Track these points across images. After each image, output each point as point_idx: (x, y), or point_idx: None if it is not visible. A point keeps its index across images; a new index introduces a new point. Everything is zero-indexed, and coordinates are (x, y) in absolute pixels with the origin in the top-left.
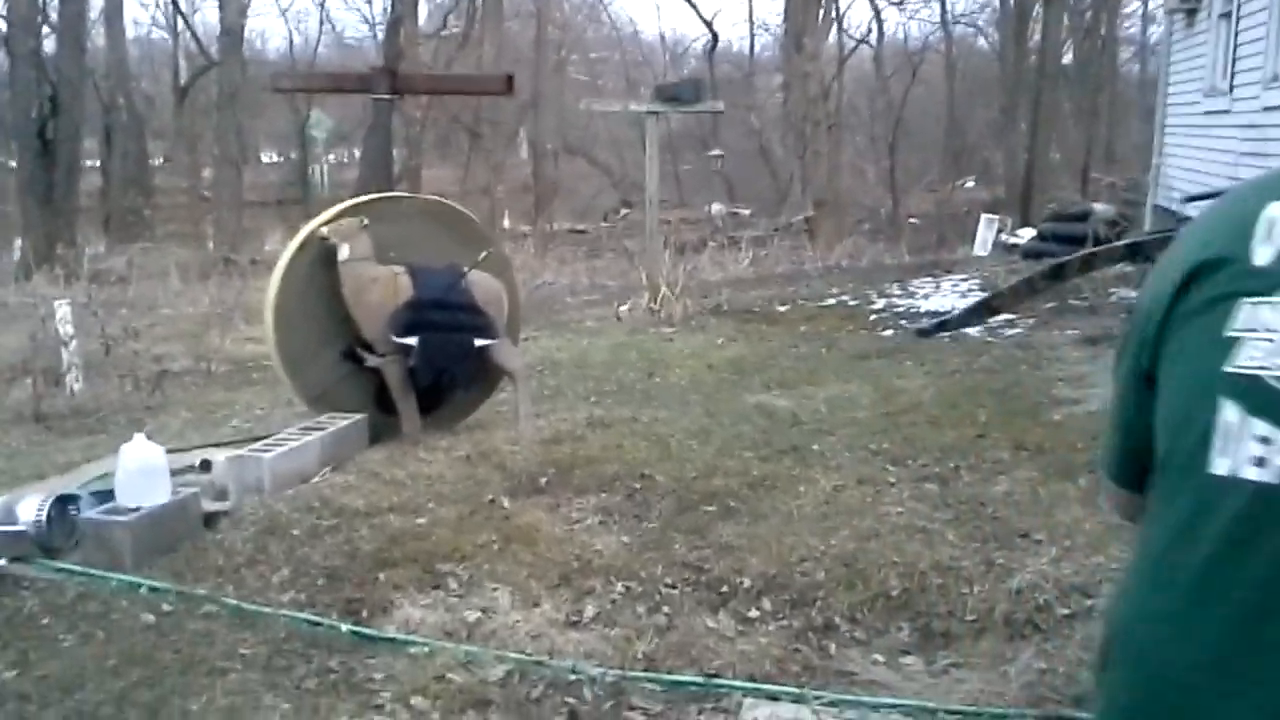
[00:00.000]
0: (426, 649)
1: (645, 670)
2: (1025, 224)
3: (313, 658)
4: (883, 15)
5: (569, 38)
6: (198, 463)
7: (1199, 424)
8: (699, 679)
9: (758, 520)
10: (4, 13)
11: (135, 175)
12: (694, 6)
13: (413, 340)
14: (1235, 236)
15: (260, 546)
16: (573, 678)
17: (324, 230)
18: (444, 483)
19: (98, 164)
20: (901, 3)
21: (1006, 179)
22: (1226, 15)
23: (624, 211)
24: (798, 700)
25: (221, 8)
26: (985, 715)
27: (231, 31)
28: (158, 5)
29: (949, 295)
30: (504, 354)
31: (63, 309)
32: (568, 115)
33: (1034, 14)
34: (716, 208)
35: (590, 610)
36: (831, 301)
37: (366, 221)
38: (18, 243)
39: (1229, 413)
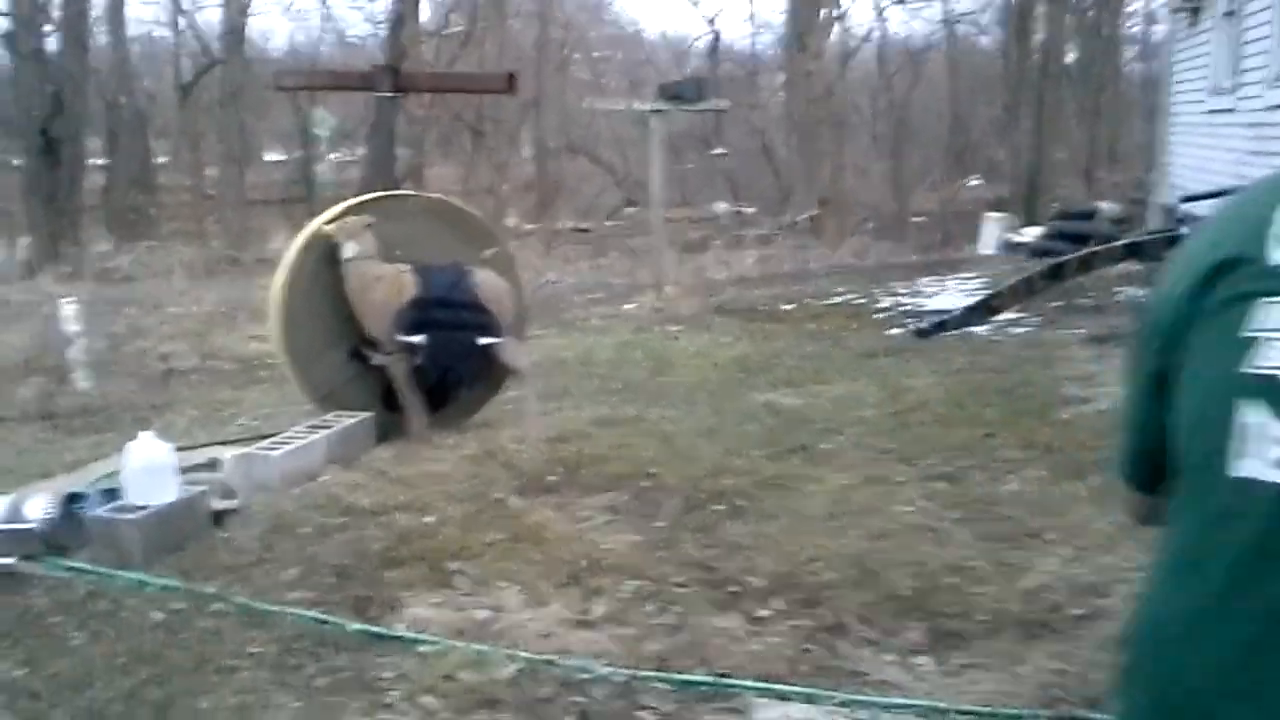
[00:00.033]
0: (436, 648)
1: (655, 670)
2: (1030, 223)
3: (322, 656)
4: (885, 14)
5: (572, 37)
6: (205, 461)
7: (1218, 426)
8: (709, 679)
9: (767, 519)
10: (7, 11)
11: (139, 174)
12: (696, 5)
13: (418, 338)
14: (1250, 236)
15: (268, 545)
16: (583, 677)
17: (329, 228)
18: (451, 481)
19: (101, 162)
20: (904, 1)
21: (1011, 178)
22: (1230, 14)
23: (628, 210)
24: (809, 700)
25: (224, 6)
26: (998, 716)
27: (234, 30)
28: (159, 3)
29: (955, 294)
30: (509, 352)
31: (68, 307)
32: (571, 114)
33: (1035, 12)
34: (721, 206)
35: (600, 609)
36: (837, 300)
37: (371, 220)
38: (22, 241)
39: (1249, 414)
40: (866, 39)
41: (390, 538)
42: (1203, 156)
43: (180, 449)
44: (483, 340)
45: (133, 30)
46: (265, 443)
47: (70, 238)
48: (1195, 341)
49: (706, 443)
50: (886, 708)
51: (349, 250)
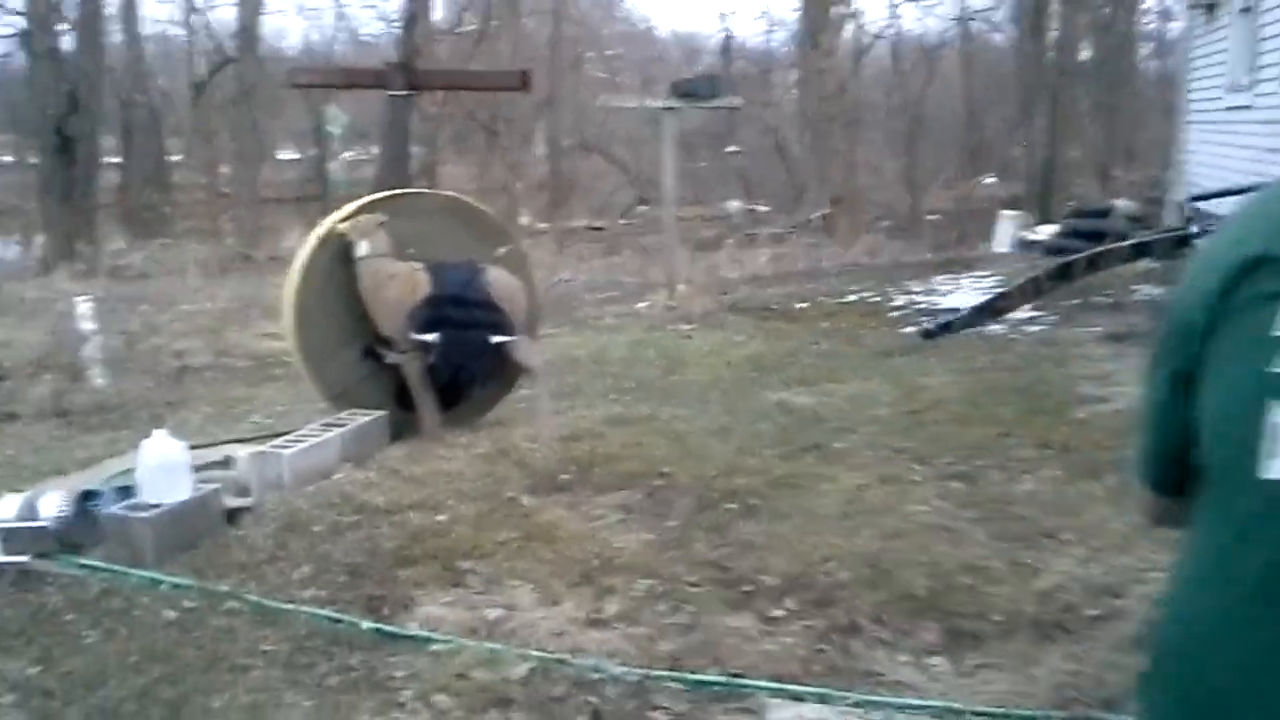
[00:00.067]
0: (448, 646)
1: (668, 669)
2: (1045, 221)
3: (334, 655)
4: (899, 11)
5: (585, 35)
6: (220, 458)
7: (1247, 427)
8: (723, 679)
9: (780, 519)
10: (22, 11)
11: (153, 172)
12: (709, 3)
13: (431, 337)
14: (1275, 233)
15: (281, 543)
16: (595, 676)
17: (342, 226)
18: (464, 480)
19: (116, 161)
20: None
21: (1025, 176)
22: (1247, 10)
23: (641, 209)
24: (823, 701)
25: (238, 4)
26: (1012, 717)
27: (248, 28)
28: (173, 2)
29: (970, 292)
30: (522, 351)
31: (83, 305)
32: (584, 112)
33: (1050, 9)
34: (734, 205)
35: (612, 608)
36: (851, 298)
37: (384, 218)
38: (38, 239)
39: (1279, 415)
40: (880, 36)
41: (403, 536)
42: (1219, 154)
43: (194, 447)
44: (496, 339)
45: (147, 29)
46: (279, 441)
47: (85, 236)
48: (1222, 341)
49: (719, 442)
50: (901, 708)
51: (362, 248)
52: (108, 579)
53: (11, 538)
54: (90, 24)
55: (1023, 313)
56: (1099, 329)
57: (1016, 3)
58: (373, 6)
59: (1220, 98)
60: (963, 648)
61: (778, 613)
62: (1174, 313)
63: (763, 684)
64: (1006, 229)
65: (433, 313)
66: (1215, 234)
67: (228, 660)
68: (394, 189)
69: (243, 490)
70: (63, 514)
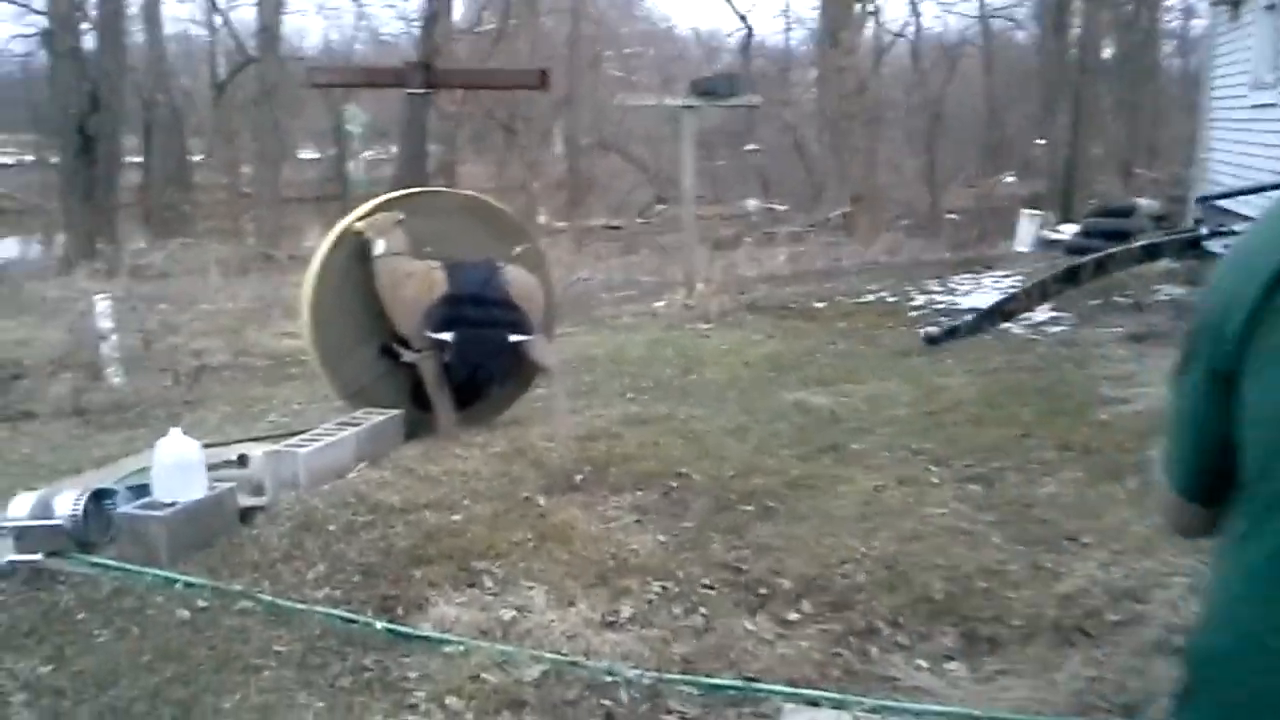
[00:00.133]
0: (462, 648)
1: (682, 673)
2: (1067, 219)
3: (347, 655)
4: (919, 9)
5: (603, 33)
6: (235, 457)
7: None
8: (738, 682)
9: (797, 520)
10: (45, 10)
11: (175, 171)
12: (729, 1)
13: (448, 336)
14: None
15: (296, 542)
16: (609, 679)
17: (360, 225)
18: (479, 479)
19: (138, 160)
20: None
21: (1047, 174)
22: (1272, 7)
23: (659, 207)
24: (839, 706)
25: (258, 4)
26: None
27: (269, 28)
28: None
29: (990, 292)
30: (539, 350)
31: (102, 304)
32: (603, 111)
33: (1072, 7)
34: (752, 203)
35: (626, 610)
36: (870, 298)
37: (402, 216)
38: (59, 238)
39: None
40: (900, 35)
41: (417, 536)
42: (1243, 152)
43: (210, 445)
44: (513, 338)
45: (169, 29)
46: (294, 440)
47: (106, 235)
48: (1262, 343)
49: (736, 442)
50: (918, 714)
51: (380, 247)
52: (120, 578)
53: (25, 536)
54: (112, 23)
55: (1042, 313)
56: (1120, 329)
57: (1039, 0)
58: (392, 6)
59: (1244, 95)
60: (981, 652)
61: (794, 616)
62: (1206, 314)
63: (778, 688)
64: (1027, 228)
65: (450, 311)
66: (1247, 235)
67: (240, 660)
68: (412, 188)
69: (257, 489)
70: (76, 512)
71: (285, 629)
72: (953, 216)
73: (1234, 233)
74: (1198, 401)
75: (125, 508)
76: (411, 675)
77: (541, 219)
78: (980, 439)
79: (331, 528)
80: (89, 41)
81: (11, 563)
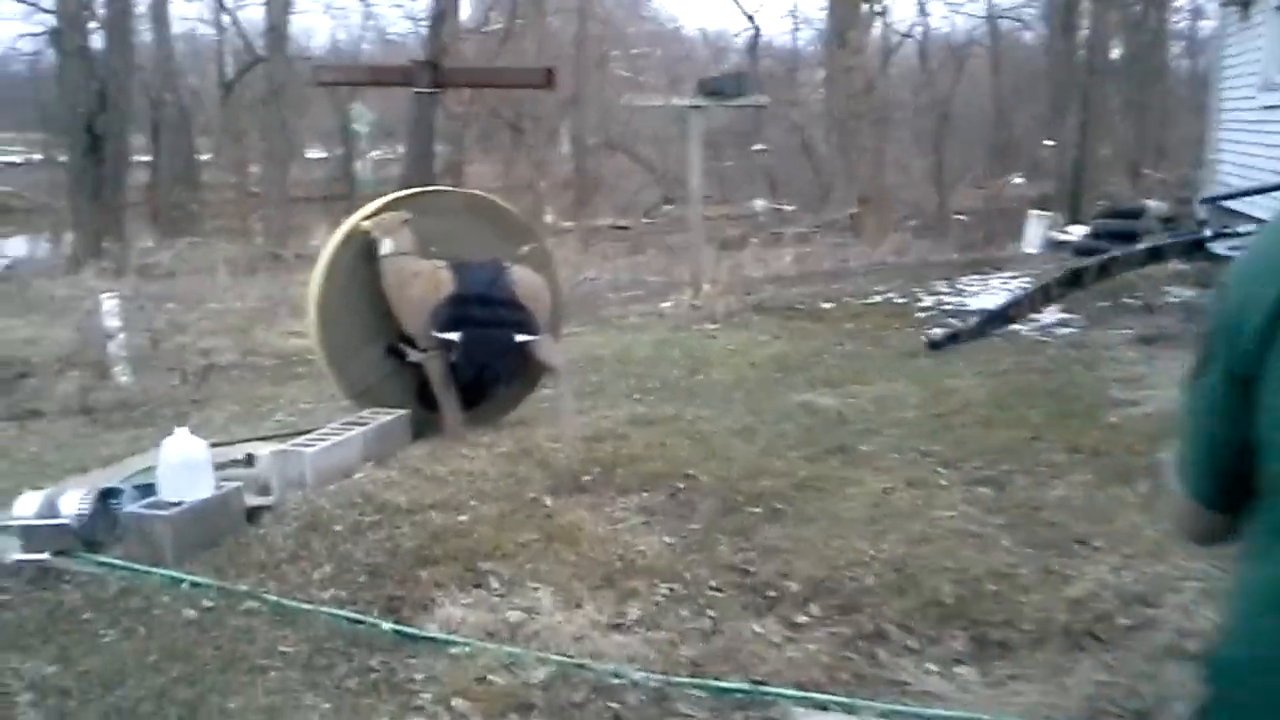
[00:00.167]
0: (468, 649)
1: (690, 676)
2: (1075, 221)
3: (353, 656)
4: (927, 9)
5: (610, 33)
6: (242, 457)
7: None
8: (746, 686)
9: (804, 522)
10: (53, 9)
11: (183, 170)
12: (736, 1)
13: (454, 335)
14: None
15: (302, 542)
16: (616, 682)
17: (366, 224)
18: (486, 480)
19: (146, 159)
20: None
21: (1055, 175)
22: None
23: (666, 207)
24: (848, 710)
25: (266, 4)
26: None
27: (276, 27)
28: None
29: (998, 293)
30: (545, 350)
31: (110, 302)
32: (610, 111)
33: (1080, 7)
34: (759, 204)
35: (634, 612)
36: (877, 299)
37: (408, 216)
38: (67, 237)
39: None
40: (908, 35)
41: (424, 536)
42: (1252, 154)
43: (216, 445)
44: (519, 338)
45: (176, 28)
46: (301, 439)
47: (114, 234)
48: None
49: (743, 443)
50: (928, 719)
51: (386, 246)
52: (127, 577)
53: (31, 535)
54: (120, 22)
55: (1051, 316)
56: (1130, 332)
57: (1047, 0)
58: (399, 5)
59: (1253, 97)
60: (991, 657)
61: (802, 619)
62: (1221, 316)
63: (786, 692)
64: (1036, 229)
65: (456, 311)
66: (1263, 236)
67: (246, 661)
68: (419, 187)
69: (264, 489)
70: (83, 512)
71: (291, 629)
72: (961, 217)
73: (1238, 234)
74: (1215, 405)
75: (131, 507)
76: (418, 677)
77: (548, 219)
78: (989, 441)
79: (338, 528)
80: (97, 40)
81: (18, 562)
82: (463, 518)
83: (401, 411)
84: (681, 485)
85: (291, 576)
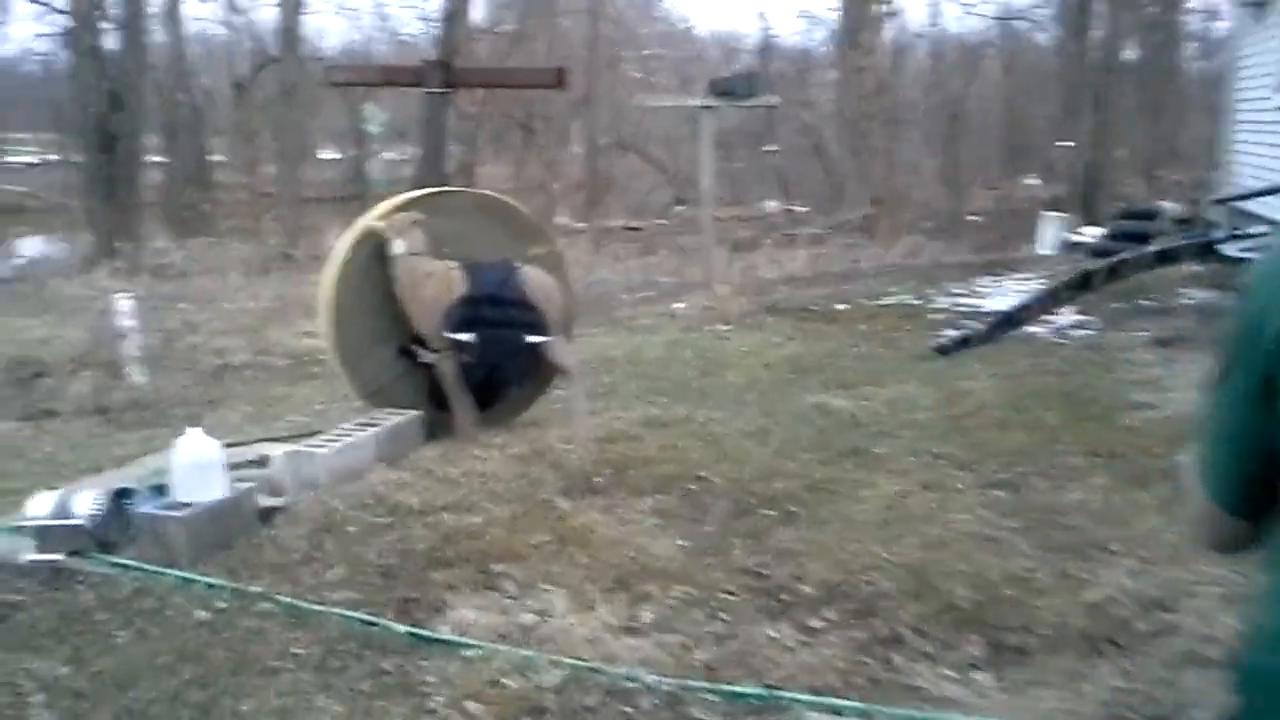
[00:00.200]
0: (481, 652)
1: (704, 680)
2: (1089, 222)
3: (366, 658)
4: (940, 9)
5: (622, 34)
6: (255, 457)
7: None
8: (760, 690)
9: (819, 525)
10: (66, 9)
11: (196, 171)
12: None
13: (466, 336)
14: None
15: (315, 543)
16: (629, 686)
17: (378, 225)
18: (498, 481)
19: (159, 160)
20: None
21: (1068, 176)
22: None
23: (678, 208)
24: (863, 715)
25: (279, 4)
26: None
27: (289, 28)
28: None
29: (1013, 295)
30: (557, 351)
31: (123, 302)
32: (621, 111)
33: (1094, 8)
34: (772, 205)
35: (647, 616)
36: (891, 300)
37: (420, 216)
38: (81, 237)
39: None
40: (921, 35)
41: (436, 538)
42: (1268, 154)
43: (230, 445)
44: (531, 338)
45: (189, 28)
46: (314, 440)
47: (127, 234)
48: None
49: (757, 445)
50: None
51: (398, 247)
52: (140, 578)
53: (45, 536)
54: (133, 22)
55: (1067, 317)
56: (1146, 333)
57: (1060, 1)
58: (412, 6)
59: (1269, 98)
60: (1008, 662)
61: (817, 623)
62: (1244, 319)
63: (801, 697)
64: (1049, 230)
65: (468, 312)
66: None
67: (259, 663)
68: (431, 187)
69: (277, 489)
70: (96, 512)
71: (304, 631)
72: (974, 219)
73: (1249, 235)
74: (1237, 409)
75: (145, 507)
76: (430, 679)
77: (560, 219)
78: (1005, 444)
79: (351, 529)
80: (110, 41)
81: (32, 562)
82: (475, 519)
83: (414, 412)
84: (694, 487)
85: (304, 578)
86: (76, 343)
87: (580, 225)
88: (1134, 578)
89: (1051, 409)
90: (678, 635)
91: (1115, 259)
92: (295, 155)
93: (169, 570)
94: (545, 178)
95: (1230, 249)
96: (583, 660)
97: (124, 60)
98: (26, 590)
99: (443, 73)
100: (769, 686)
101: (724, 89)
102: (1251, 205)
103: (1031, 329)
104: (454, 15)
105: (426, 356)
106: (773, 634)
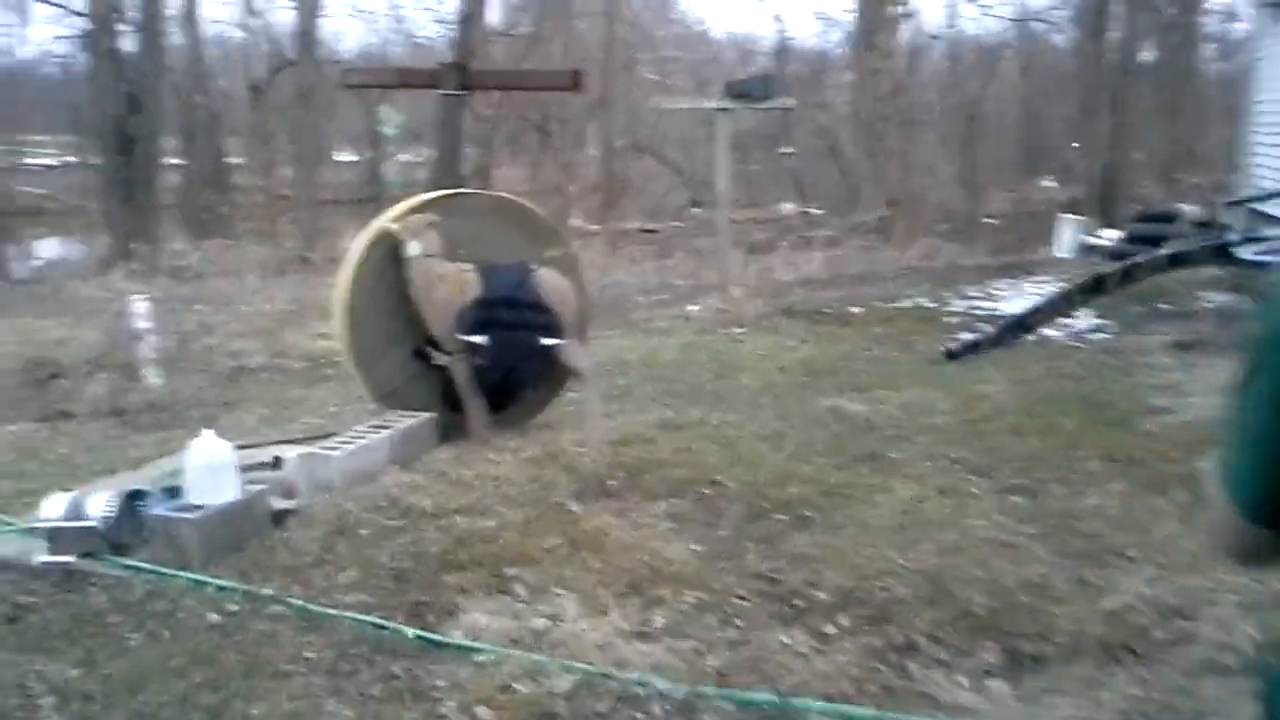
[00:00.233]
0: (493, 657)
1: (716, 686)
2: (1107, 224)
3: (377, 663)
4: (957, 11)
5: (638, 36)
6: (269, 459)
7: None
8: (773, 697)
9: (833, 530)
10: (84, 11)
11: (213, 173)
12: (763, 3)
13: (480, 338)
14: None
15: (328, 546)
16: (641, 692)
17: (393, 226)
18: (511, 484)
19: (176, 162)
20: None
21: (1086, 179)
22: None
23: (694, 210)
24: None
25: (296, 7)
26: None
27: (306, 31)
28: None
29: (1030, 298)
30: (572, 353)
31: (140, 304)
32: (637, 113)
33: (1111, 10)
34: (787, 207)
35: (659, 621)
36: (907, 303)
37: (435, 218)
38: (99, 239)
39: None
40: (937, 37)
41: (449, 541)
42: None
43: (244, 447)
44: (545, 341)
45: (207, 31)
46: (328, 442)
47: (145, 236)
48: None
49: (771, 449)
50: None
51: (413, 248)
52: (152, 580)
53: (58, 537)
54: (151, 25)
55: (1084, 321)
56: (1165, 337)
57: (1077, 3)
58: (428, 9)
59: None
60: (1024, 670)
61: (831, 629)
62: (1269, 324)
63: (814, 704)
64: (1067, 233)
65: (482, 314)
66: None
67: (270, 666)
68: (446, 189)
69: (290, 492)
70: (109, 514)
71: (316, 634)
72: (991, 221)
73: (1264, 239)
74: (1261, 415)
75: (157, 509)
76: (441, 684)
77: (576, 221)
78: (1021, 449)
79: (363, 532)
80: (128, 43)
81: (44, 564)
82: (488, 523)
83: (427, 415)
84: (708, 491)
85: (316, 581)
86: (93, 344)
87: (595, 227)
88: (1152, 585)
89: (1069, 414)
90: (690, 641)
91: (1128, 262)
92: (312, 157)
93: (181, 573)
94: (561, 180)
95: (1245, 252)
96: (594, 666)
97: (142, 63)
98: (39, 592)
99: (459, 75)
100: (781, 693)
101: (740, 91)
102: (1268, 207)
103: (1048, 332)
104: (470, 17)
105: (440, 359)
106: (786, 640)
